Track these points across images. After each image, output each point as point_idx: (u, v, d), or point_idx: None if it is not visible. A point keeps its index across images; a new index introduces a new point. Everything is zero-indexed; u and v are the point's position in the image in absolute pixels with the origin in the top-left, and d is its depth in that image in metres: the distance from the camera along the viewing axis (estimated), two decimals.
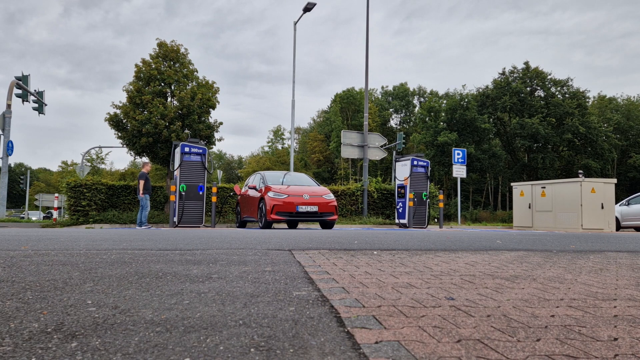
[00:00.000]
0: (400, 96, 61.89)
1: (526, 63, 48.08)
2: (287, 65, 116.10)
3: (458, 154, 18.86)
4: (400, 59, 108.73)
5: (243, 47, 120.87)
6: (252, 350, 1.20)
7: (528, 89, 48.01)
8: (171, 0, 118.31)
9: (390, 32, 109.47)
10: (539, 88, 48.67)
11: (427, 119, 50.94)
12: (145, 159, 16.24)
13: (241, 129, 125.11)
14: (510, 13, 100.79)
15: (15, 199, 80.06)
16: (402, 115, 63.29)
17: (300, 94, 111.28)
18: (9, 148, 16.55)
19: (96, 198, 14.27)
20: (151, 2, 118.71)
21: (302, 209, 10.64)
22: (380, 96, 64.15)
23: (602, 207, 14.44)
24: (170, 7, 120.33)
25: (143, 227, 12.05)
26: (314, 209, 10.74)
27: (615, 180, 15.10)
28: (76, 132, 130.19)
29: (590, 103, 49.28)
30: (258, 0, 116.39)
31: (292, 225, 12.71)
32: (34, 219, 34.64)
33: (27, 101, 18.02)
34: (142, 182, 12.31)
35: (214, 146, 17.69)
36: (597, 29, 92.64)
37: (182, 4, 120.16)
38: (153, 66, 16.22)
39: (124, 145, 16.17)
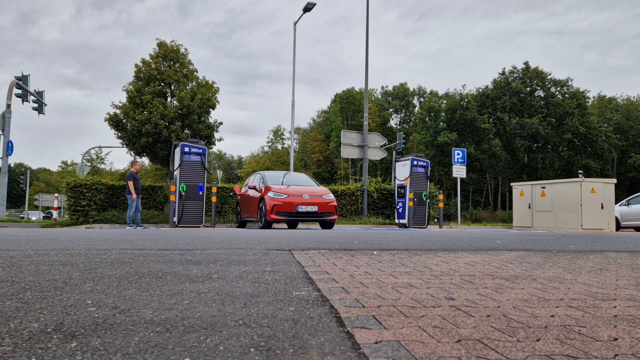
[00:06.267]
0: (400, 96, 61.90)
1: (526, 63, 48.18)
2: (297, 65, 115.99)
3: (458, 154, 18.86)
4: (413, 58, 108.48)
5: (254, 48, 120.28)
6: (252, 350, 1.20)
7: (528, 89, 48.04)
8: (184, 0, 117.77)
9: (403, 32, 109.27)
10: (538, 88, 48.72)
11: (427, 119, 50.96)
12: (137, 158, 16.18)
13: (246, 128, 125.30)
14: (525, 13, 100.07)
15: (15, 199, 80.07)
16: (402, 115, 63.31)
17: (309, 94, 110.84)
18: (9, 148, 16.54)
19: (96, 198, 14.26)
20: (164, 2, 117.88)
21: (302, 209, 10.64)
22: (380, 96, 64.16)
23: (602, 207, 14.44)
24: (183, 7, 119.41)
25: (134, 227, 11.89)
26: (314, 209, 10.74)
27: (615, 181, 15.10)
28: (81, 132, 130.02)
29: (590, 103, 49.32)
30: (271, 0, 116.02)
31: (292, 225, 12.70)
32: (33, 219, 34.62)
33: (26, 101, 18.02)
34: (130, 183, 12.03)
35: (213, 146, 17.69)
36: (611, 29, 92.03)
37: (195, 4, 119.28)
38: (153, 66, 16.23)
39: (124, 145, 16.16)
